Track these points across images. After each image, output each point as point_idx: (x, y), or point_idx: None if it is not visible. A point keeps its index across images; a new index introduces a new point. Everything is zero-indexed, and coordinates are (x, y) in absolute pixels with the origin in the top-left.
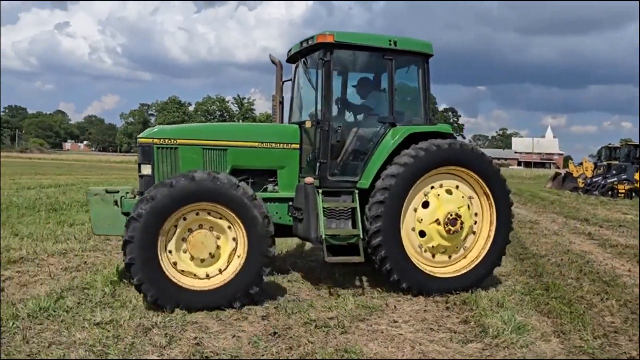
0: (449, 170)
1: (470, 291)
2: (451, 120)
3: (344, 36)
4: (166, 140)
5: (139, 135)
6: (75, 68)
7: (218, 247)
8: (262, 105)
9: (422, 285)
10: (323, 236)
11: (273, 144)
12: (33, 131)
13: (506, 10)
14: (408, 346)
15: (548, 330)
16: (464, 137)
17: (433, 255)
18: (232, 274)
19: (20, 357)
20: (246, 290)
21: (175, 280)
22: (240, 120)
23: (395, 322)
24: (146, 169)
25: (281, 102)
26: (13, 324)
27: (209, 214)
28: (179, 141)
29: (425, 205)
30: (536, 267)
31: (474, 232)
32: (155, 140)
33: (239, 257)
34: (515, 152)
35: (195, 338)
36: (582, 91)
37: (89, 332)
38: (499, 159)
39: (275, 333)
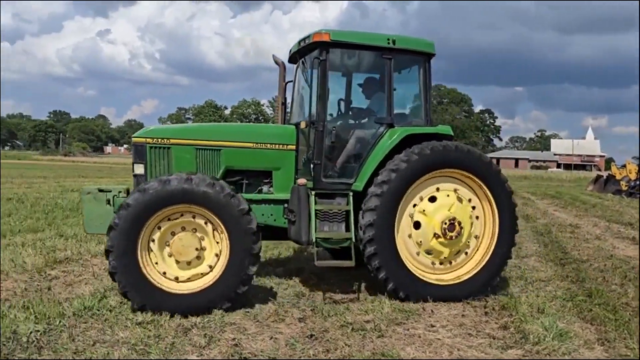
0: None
1: (509, 296)
2: (487, 122)
3: (341, 35)
4: (159, 140)
5: (133, 135)
6: (115, 74)
7: (202, 249)
8: None
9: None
10: (314, 239)
11: (268, 145)
12: (76, 135)
13: (544, 9)
14: (446, 351)
15: (591, 337)
16: (500, 139)
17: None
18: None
19: (66, 354)
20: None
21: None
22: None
23: (432, 326)
24: (139, 169)
25: (284, 104)
26: (60, 322)
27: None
28: (172, 141)
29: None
30: (578, 273)
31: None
32: (148, 140)
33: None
34: (555, 155)
35: (233, 339)
36: (624, 91)
37: (132, 331)
38: (537, 161)
39: (312, 335)
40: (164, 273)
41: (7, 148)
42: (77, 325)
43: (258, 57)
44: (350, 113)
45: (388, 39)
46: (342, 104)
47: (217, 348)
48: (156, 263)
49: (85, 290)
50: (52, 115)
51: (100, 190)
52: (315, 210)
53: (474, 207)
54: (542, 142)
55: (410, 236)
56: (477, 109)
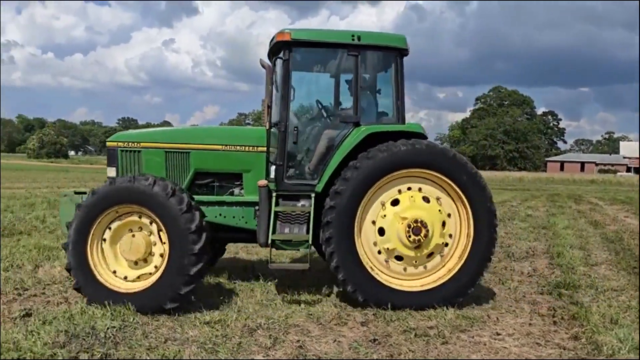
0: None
1: (579, 305)
2: (551, 124)
3: (302, 33)
4: (130, 144)
5: (107, 139)
6: (179, 81)
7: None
8: None
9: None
10: (269, 241)
11: (238, 147)
12: None
13: (611, 6)
14: None
15: None
16: (565, 142)
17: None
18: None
19: (140, 350)
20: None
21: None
22: None
23: (498, 334)
24: (111, 172)
25: (269, 106)
26: (133, 319)
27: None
28: (142, 144)
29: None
30: None
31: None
32: (119, 144)
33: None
34: (624, 157)
35: (298, 341)
36: None
37: (200, 330)
38: (605, 164)
39: (375, 340)
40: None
41: (79, 153)
42: (150, 323)
43: None
44: (327, 113)
45: (352, 36)
46: (322, 104)
47: (282, 349)
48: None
49: None
50: (120, 122)
51: (77, 193)
52: (276, 211)
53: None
54: (610, 144)
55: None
56: (540, 111)
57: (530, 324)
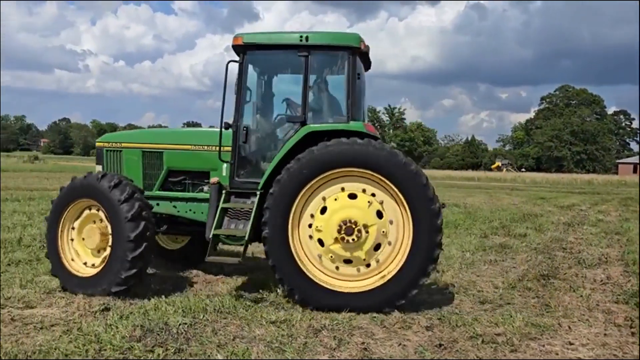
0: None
1: None
2: (623, 124)
3: (253, 37)
4: (113, 144)
5: (96, 140)
6: None
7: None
8: (412, 114)
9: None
10: (210, 235)
11: (205, 147)
12: None
13: None
14: None
15: None
16: (638, 143)
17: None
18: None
19: (211, 346)
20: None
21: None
22: (391, 130)
23: (570, 344)
24: (98, 169)
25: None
26: (203, 316)
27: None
28: (122, 145)
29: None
30: None
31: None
32: (105, 144)
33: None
34: None
35: (362, 343)
36: None
37: (267, 329)
38: None
39: (440, 345)
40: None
41: None
42: (218, 320)
43: (373, 64)
44: (287, 113)
45: (301, 37)
46: (287, 104)
47: (347, 351)
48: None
49: (223, 289)
50: (185, 126)
51: None
52: (222, 208)
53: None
54: None
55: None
56: (611, 110)
57: (605, 334)
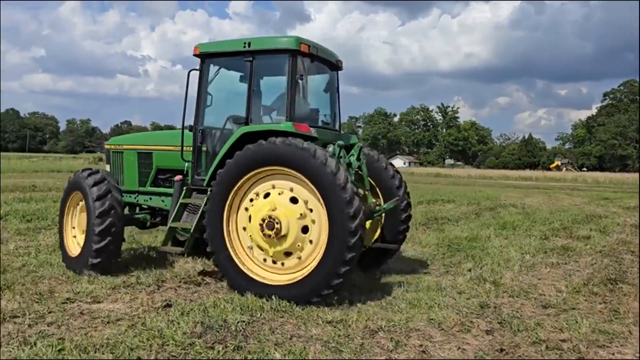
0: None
1: None
2: None
3: (207, 46)
4: (116, 147)
5: (105, 143)
6: None
7: None
8: (466, 113)
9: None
10: (167, 226)
11: (187, 148)
12: None
13: None
14: None
15: None
16: None
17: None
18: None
19: (268, 344)
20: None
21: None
22: (444, 129)
23: None
24: (107, 168)
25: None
26: (260, 315)
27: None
28: (123, 147)
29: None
30: None
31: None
32: (111, 146)
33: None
34: None
35: (420, 345)
36: None
37: (323, 329)
38: None
39: (502, 350)
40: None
41: None
42: (275, 319)
43: (425, 63)
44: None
45: (244, 43)
46: (272, 108)
47: (404, 353)
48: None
49: None
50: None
51: None
52: (182, 203)
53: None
54: None
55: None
56: None
57: None
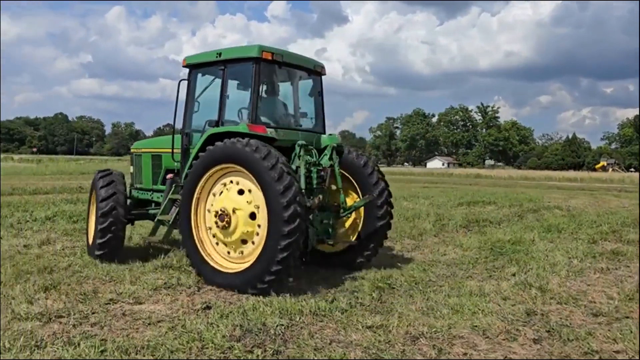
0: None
1: None
2: None
3: (191, 58)
4: (138, 150)
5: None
6: (331, 88)
7: None
8: (506, 113)
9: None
10: (156, 219)
11: (176, 149)
12: None
13: None
14: None
15: None
16: None
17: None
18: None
19: (308, 349)
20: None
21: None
22: (484, 129)
23: None
24: (131, 169)
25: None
26: (299, 318)
27: None
28: (142, 150)
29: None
30: None
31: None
32: (134, 150)
33: None
34: None
35: (464, 354)
36: None
37: (363, 334)
38: None
39: None
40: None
41: None
42: (315, 323)
43: (464, 62)
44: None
45: (217, 54)
46: (242, 111)
47: None
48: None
49: (317, 290)
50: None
51: None
52: (170, 198)
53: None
54: None
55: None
56: None
57: None
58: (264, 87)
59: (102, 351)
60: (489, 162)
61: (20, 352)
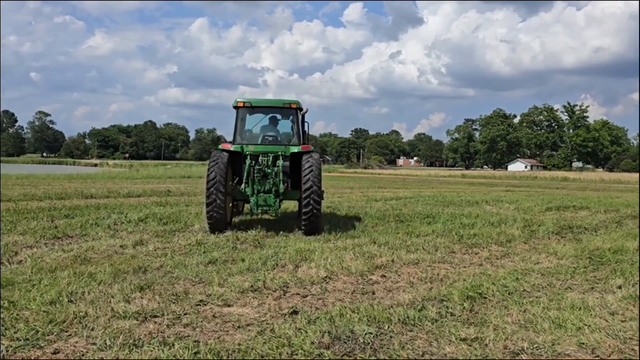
0: None
1: None
2: None
3: (235, 102)
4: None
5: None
6: (405, 91)
7: None
8: (596, 112)
9: None
10: None
11: None
12: (373, 150)
13: None
14: None
15: None
16: None
17: None
18: None
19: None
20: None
21: None
22: (571, 130)
23: None
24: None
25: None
26: (388, 327)
27: None
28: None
29: None
30: None
31: None
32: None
33: None
34: None
35: None
36: None
37: (457, 347)
38: None
39: None
40: None
41: None
42: (404, 332)
43: (547, 60)
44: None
45: (235, 102)
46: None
47: None
48: None
49: (405, 297)
50: (353, 133)
51: None
52: None
53: None
54: None
55: None
56: None
57: None
58: (242, 122)
59: (195, 353)
60: (576, 164)
61: (120, 350)
